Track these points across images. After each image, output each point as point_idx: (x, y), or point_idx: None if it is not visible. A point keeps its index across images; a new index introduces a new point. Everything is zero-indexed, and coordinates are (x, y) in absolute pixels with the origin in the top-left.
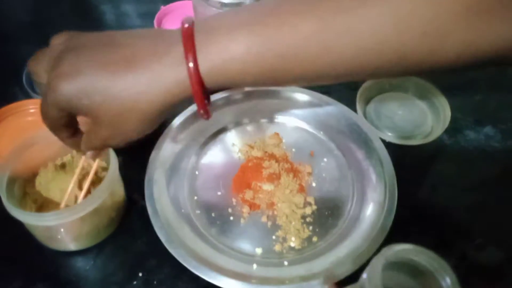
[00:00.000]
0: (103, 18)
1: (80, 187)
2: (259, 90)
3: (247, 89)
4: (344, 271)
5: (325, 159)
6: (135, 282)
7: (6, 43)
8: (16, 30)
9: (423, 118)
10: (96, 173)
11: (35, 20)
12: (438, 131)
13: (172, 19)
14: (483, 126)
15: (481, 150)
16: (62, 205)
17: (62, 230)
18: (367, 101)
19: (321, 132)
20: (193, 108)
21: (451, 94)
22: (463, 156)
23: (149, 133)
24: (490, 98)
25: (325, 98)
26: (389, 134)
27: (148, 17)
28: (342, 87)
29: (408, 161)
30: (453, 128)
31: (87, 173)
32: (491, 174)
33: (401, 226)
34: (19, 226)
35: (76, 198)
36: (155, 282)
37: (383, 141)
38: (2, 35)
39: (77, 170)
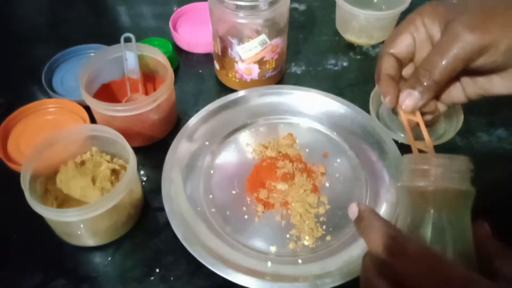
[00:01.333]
0: (119, 19)
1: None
2: (272, 90)
3: (261, 89)
4: (358, 269)
5: (338, 160)
6: (152, 278)
7: (25, 44)
8: (34, 31)
9: None
10: (115, 172)
11: (52, 21)
12: (451, 133)
13: (186, 21)
14: (496, 128)
15: (494, 152)
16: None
17: (82, 226)
18: (379, 103)
19: (335, 133)
20: (208, 108)
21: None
22: (476, 158)
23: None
24: (503, 100)
25: (338, 99)
26: (402, 135)
27: (163, 18)
28: (355, 89)
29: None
30: (466, 130)
31: (106, 171)
32: (504, 176)
33: None
34: (39, 222)
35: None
36: (172, 278)
37: (396, 142)
38: (21, 36)
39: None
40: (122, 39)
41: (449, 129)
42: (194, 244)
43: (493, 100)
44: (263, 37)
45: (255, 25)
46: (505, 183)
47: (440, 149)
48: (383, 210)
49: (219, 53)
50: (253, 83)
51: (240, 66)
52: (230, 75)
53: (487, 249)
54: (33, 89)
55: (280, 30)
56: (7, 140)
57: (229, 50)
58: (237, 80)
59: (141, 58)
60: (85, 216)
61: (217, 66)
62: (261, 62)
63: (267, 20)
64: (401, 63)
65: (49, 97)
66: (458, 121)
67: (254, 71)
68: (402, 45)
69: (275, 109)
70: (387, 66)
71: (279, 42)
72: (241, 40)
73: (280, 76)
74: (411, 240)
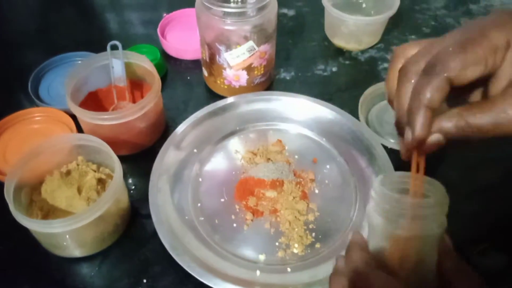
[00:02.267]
0: (107, 26)
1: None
2: (261, 97)
3: (249, 96)
4: None
5: (327, 166)
6: None
7: (11, 50)
8: (20, 37)
9: None
10: (101, 181)
11: (39, 27)
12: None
13: (175, 27)
14: None
15: (483, 156)
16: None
17: (67, 237)
18: (369, 108)
19: (324, 139)
20: (196, 115)
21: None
22: (465, 162)
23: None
24: None
25: (327, 105)
26: (391, 140)
27: (151, 25)
28: (344, 94)
29: (410, 168)
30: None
31: (92, 181)
32: (493, 180)
33: None
34: (25, 233)
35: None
36: None
37: (385, 147)
38: (7, 43)
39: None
40: (108, 47)
41: None
42: (182, 253)
43: None
44: (250, 43)
45: (243, 31)
46: (494, 186)
47: (430, 153)
48: None
49: (207, 60)
50: (241, 90)
51: (228, 73)
52: (218, 81)
53: (446, 265)
54: (19, 97)
55: (268, 36)
56: None
57: (217, 56)
58: (225, 87)
59: (128, 66)
60: (71, 227)
61: (205, 72)
62: (249, 69)
63: (255, 26)
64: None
65: (36, 105)
66: None
67: (243, 78)
68: (470, 71)
69: (264, 116)
70: (436, 97)
71: (267, 48)
72: (228, 47)
73: (269, 82)
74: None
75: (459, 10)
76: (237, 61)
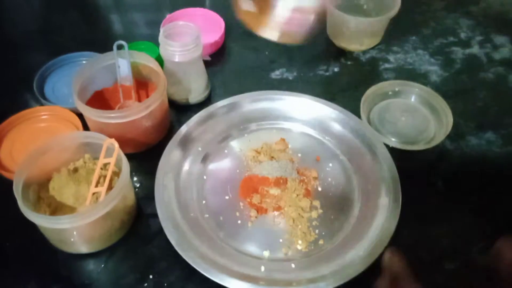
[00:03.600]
0: (112, 27)
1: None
2: (265, 96)
3: (253, 95)
4: (352, 272)
5: (330, 164)
6: (145, 284)
7: (16, 51)
8: (25, 38)
9: (425, 124)
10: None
11: (44, 28)
12: (440, 137)
13: None
14: (485, 132)
15: (483, 155)
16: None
17: (75, 233)
18: (371, 108)
19: (327, 138)
20: (200, 114)
21: (454, 100)
22: (465, 161)
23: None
24: (492, 104)
25: (330, 104)
26: (393, 139)
27: (155, 25)
28: (346, 94)
29: (411, 166)
30: (455, 134)
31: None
32: (493, 178)
33: (405, 229)
34: (33, 229)
35: (97, 199)
36: (165, 285)
37: (387, 146)
38: (12, 43)
39: (96, 174)
40: (115, 47)
41: (439, 133)
42: (188, 249)
43: (481, 104)
44: None
45: None
46: (494, 185)
47: (431, 152)
48: (373, 212)
49: None
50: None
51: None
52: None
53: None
54: (25, 97)
55: None
56: (0, 148)
57: None
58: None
59: (134, 65)
60: (79, 223)
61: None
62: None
63: None
64: None
65: (41, 104)
66: (448, 124)
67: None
68: None
69: (268, 115)
70: None
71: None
72: None
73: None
74: None
75: (459, 12)
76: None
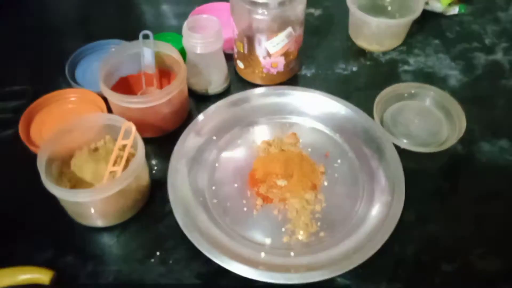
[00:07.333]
0: (143, 18)
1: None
2: (279, 91)
3: (268, 89)
4: (348, 264)
5: (339, 161)
6: (152, 260)
7: (53, 37)
8: (62, 25)
9: (438, 126)
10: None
11: (80, 17)
12: (452, 141)
13: None
14: (499, 139)
15: (495, 162)
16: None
17: (91, 207)
18: (384, 109)
19: (337, 135)
20: (217, 105)
21: (470, 106)
22: (476, 167)
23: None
24: (509, 112)
25: (343, 102)
26: (405, 141)
27: (183, 17)
28: (362, 93)
29: (421, 168)
30: (468, 139)
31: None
32: (503, 187)
33: (406, 230)
34: (54, 203)
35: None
36: (170, 262)
37: (398, 147)
38: (50, 29)
39: (114, 154)
40: (140, 36)
41: (451, 137)
42: (193, 231)
43: (499, 112)
44: (289, 30)
45: (283, 18)
46: (503, 193)
47: (442, 155)
48: (376, 210)
49: (245, 52)
50: (279, 76)
51: (267, 61)
52: (256, 71)
53: None
54: (57, 79)
55: (302, 19)
56: (31, 125)
57: (257, 46)
58: (264, 75)
59: (157, 55)
60: (94, 197)
61: (241, 65)
62: (286, 54)
63: (296, 13)
64: None
65: (71, 87)
66: (461, 128)
67: (280, 64)
68: None
69: (281, 109)
70: None
71: (301, 31)
72: (268, 36)
73: (299, 63)
74: None
75: (486, 17)
76: (277, 48)
